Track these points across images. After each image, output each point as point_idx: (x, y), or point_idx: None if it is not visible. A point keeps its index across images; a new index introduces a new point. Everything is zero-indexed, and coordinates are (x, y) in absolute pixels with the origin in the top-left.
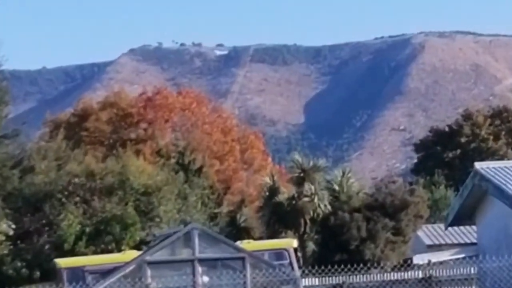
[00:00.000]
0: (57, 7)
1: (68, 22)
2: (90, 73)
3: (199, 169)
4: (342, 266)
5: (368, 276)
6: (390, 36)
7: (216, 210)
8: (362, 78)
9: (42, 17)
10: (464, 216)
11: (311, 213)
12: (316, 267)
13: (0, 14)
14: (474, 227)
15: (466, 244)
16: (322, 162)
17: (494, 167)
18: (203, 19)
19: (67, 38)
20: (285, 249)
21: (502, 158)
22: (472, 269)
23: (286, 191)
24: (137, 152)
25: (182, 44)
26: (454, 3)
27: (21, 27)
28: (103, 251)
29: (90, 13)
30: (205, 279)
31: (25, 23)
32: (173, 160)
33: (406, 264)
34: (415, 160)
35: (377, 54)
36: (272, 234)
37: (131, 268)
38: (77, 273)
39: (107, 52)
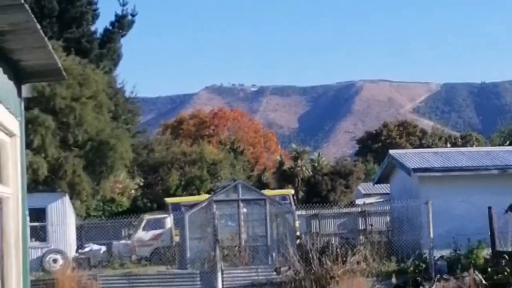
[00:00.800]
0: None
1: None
2: (184, 98)
3: (241, 151)
4: (317, 205)
5: (331, 210)
6: (344, 81)
7: (250, 174)
8: (329, 104)
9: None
10: (383, 178)
11: (301, 176)
12: (303, 205)
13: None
14: (388, 184)
15: (384, 194)
16: (307, 148)
17: (399, 153)
18: (245, 66)
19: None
20: (287, 195)
21: (401, 147)
22: (387, 207)
23: (288, 164)
24: (209, 142)
25: (233, 84)
26: (380, 61)
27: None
28: (190, 195)
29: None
30: (244, 210)
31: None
32: (228, 146)
33: (351, 204)
34: (357, 149)
35: (337, 91)
36: (280, 186)
37: (205, 203)
38: (176, 206)
39: (192, 87)
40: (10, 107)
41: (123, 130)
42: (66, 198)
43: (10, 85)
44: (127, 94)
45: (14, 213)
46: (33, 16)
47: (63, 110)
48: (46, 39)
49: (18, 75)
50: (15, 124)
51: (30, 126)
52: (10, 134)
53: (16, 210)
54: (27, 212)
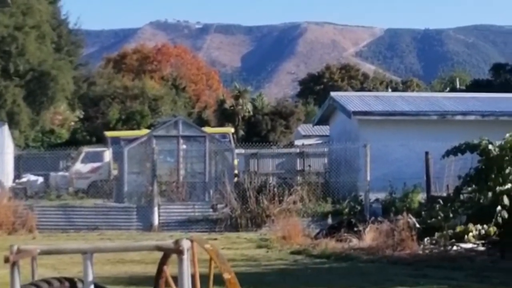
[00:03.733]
0: None
1: None
2: (128, 32)
3: (183, 88)
4: (257, 144)
5: (270, 149)
6: (289, 22)
7: (191, 111)
8: (273, 45)
9: None
10: (323, 120)
11: (242, 115)
12: (243, 144)
13: None
14: (328, 126)
15: (323, 136)
16: (249, 88)
17: (340, 95)
18: (190, 2)
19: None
20: (227, 133)
21: (343, 90)
22: (325, 148)
23: (229, 102)
24: (151, 77)
25: (178, 20)
26: (325, 3)
27: None
28: (130, 129)
29: None
30: (184, 146)
31: None
32: (170, 82)
33: (291, 144)
34: (299, 90)
35: (281, 31)
36: (221, 124)
37: (145, 138)
38: (116, 140)
39: (136, 21)
40: None
41: (65, 61)
42: (5, 127)
43: None
44: (70, 26)
45: None
46: None
47: (5, 38)
48: None
49: None
50: None
51: None
52: None
53: None
54: None
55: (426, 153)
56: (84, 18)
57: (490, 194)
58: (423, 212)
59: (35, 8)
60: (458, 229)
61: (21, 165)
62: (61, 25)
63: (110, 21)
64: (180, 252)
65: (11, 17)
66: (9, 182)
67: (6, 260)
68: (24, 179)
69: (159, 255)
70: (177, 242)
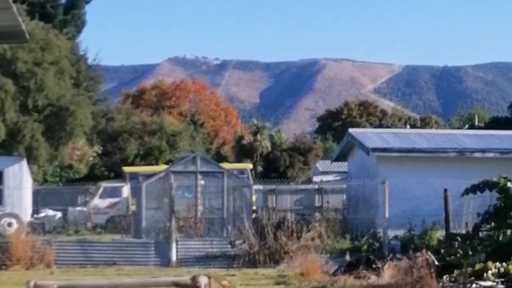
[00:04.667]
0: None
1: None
2: (147, 68)
3: (202, 124)
4: (275, 180)
5: (288, 186)
6: (307, 59)
7: (209, 146)
8: (291, 81)
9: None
10: (341, 156)
11: (260, 151)
12: (261, 180)
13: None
14: (346, 163)
15: (342, 172)
16: (267, 124)
17: (358, 132)
18: (208, 39)
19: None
20: (245, 169)
21: (361, 127)
22: (344, 185)
23: (247, 139)
24: (170, 113)
25: (196, 56)
26: (344, 40)
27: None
28: (148, 164)
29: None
30: (202, 182)
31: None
32: (188, 118)
33: (309, 181)
34: (317, 126)
35: (300, 68)
36: (239, 160)
37: (163, 174)
38: (134, 176)
39: (155, 57)
40: None
41: (84, 97)
42: (24, 162)
43: None
44: (89, 62)
45: None
46: None
47: (24, 74)
48: (11, 0)
49: None
50: None
51: None
52: None
53: None
54: None
55: (445, 190)
56: (103, 54)
57: (509, 231)
58: (442, 250)
59: (54, 43)
60: (477, 266)
61: (39, 200)
62: (80, 61)
63: (129, 57)
64: None
65: (30, 53)
66: (27, 217)
67: None
68: (42, 214)
69: None
70: (194, 278)
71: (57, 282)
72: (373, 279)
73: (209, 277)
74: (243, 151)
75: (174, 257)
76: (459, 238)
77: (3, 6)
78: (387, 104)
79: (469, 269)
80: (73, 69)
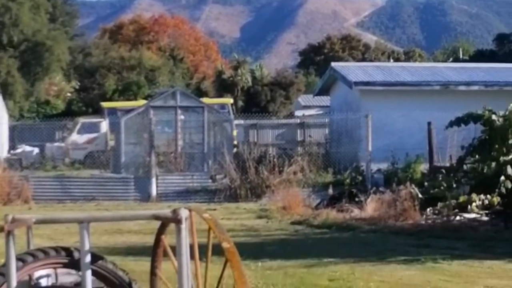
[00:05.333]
0: None
1: None
2: (125, 3)
3: (181, 59)
4: (256, 114)
5: (270, 120)
6: None
7: (189, 81)
8: (272, 15)
9: None
10: (324, 91)
11: (241, 85)
12: (242, 114)
13: None
14: (329, 97)
15: (324, 106)
16: (248, 58)
17: (341, 65)
18: None
19: None
20: (226, 104)
21: (343, 60)
22: (326, 119)
23: (228, 73)
24: (148, 48)
25: None
26: None
27: None
28: (127, 100)
29: None
30: (182, 117)
31: None
32: (167, 53)
33: (291, 115)
34: (299, 61)
35: (281, 1)
36: (219, 95)
37: (142, 109)
38: (113, 111)
39: None
40: None
41: (60, 32)
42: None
43: None
44: None
45: None
46: None
47: None
48: None
49: None
50: None
51: None
52: None
53: None
54: None
55: (429, 123)
56: None
57: (493, 164)
58: (425, 183)
59: None
60: (461, 199)
61: (16, 136)
62: None
63: None
64: (178, 221)
65: None
66: (4, 153)
67: (1, 229)
68: (19, 150)
69: (156, 225)
70: (175, 211)
71: (35, 216)
72: (356, 212)
73: (190, 210)
74: (224, 86)
75: (154, 192)
76: (443, 171)
77: None
78: (370, 38)
79: (453, 202)
80: (49, 4)
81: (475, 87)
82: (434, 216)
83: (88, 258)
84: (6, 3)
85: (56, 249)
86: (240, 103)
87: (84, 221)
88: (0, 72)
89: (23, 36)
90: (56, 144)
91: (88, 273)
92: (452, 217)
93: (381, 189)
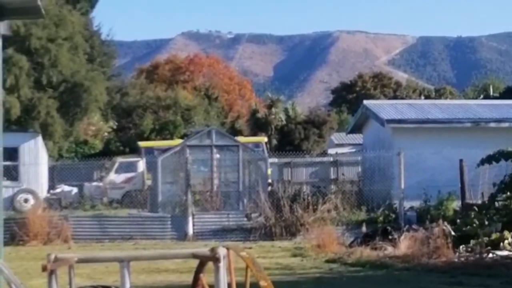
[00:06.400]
0: None
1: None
2: (160, 43)
3: (216, 98)
4: (290, 153)
5: (303, 158)
6: (321, 31)
7: (224, 120)
8: (305, 54)
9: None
10: (356, 128)
11: (274, 124)
12: (276, 153)
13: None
14: (361, 134)
15: (357, 144)
16: (281, 97)
17: (373, 103)
18: (221, 13)
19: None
20: (260, 142)
21: (375, 98)
22: (359, 157)
23: (262, 112)
24: (184, 88)
25: (209, 30)
26: (357, 12)
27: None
28: (163, 139)
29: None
30: (217, 155)
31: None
32: (202, 92)
33: (324, 153)
34: (331, 99)
35: (313, 40)
36: (254, 134)
37: (178, 148)
38: (149, 150)
39: (168, 32)
40: None
41: (98, 72)
42: (39, 138)
43: None
44: (103, 37)
45: None
46: None
47: (38, 50)
48: None
49: None
50: None
51: (4, 65)
52: None
53: None
54: (1, 149)
55: (461, 160)
56: (117, 29)
57: None
58: (458, 220)
59: (67, 19)
60: (494, 236)
61: (55, 176)
62: (94, 36)
63: (142, 32)
64: (216, 260)
65: (44, 29)
66: (43, 193)
67: (44, 268)
68: (58, 190)
69: (194, 264)
70: (213, 250)
71: (77, 255)
72: (389, 250)
73: (227, 249)
74: (258, 125)
75: (190, 231)
76: (475, 208)
77: None
78: (401, 76)
79: (486, 239)
80: (87, 45)
81: (506, 124)
82: (467, 254)
83: None
84: (46, 44)
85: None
86: (274, 141)
87: (124, 260)
88: (39, 113)
89: (62, 76)
90: (94, 183)
91: None
92: (485, 255)
93: (414, 226)
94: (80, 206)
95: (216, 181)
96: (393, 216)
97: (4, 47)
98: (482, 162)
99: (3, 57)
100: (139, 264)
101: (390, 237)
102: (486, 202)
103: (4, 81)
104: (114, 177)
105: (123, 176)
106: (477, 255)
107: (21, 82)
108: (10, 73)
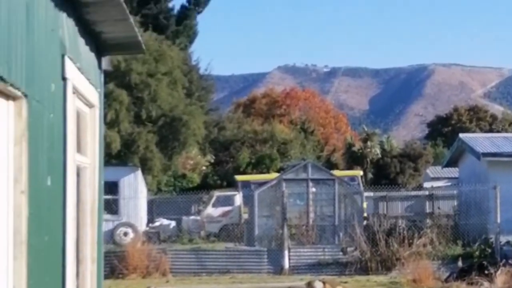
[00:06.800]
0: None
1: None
2: (257, 77)
3: (312, 132)
4: (385, 187)
5: (399, 192)
6: (416, 64)
7: (320, 154)
8: (400, 87)
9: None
10: (452, 162)
11: (370, 157)
12: (372, 186)
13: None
14: (457, 168)
15: (453, 178)
16: (377, 130)
17: (468, 137)
18: (318, 47)
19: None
20: (356, 176)
21: (471, 132)
22: (455, 191)
23: (357, 145)
24: (280, 121)
25: (306, 64)
26: (453, 45)
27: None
28: (260, 173)
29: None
30: (313, 189)
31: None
32: (298, 126)
33: (419, 187)
34: (427, 132)
35: (409, 73)
36: (349, 167)
37: (274, 182)
38: (246, 184)
39: (265, 66)
40: (91, 78)
41: (196, 107)
42: (139, 172)
43: (92, 56)
44: (201, 71)
45: (91, 183)
46: None
47: (138, 85)
48: (128, 12)
49: (99, 47)
50: (95, 95)
51: (105, 100)
52: (90, 105)
53: (93, 180)
54: (102, 183)
55: None
56: (214, 63)
57: None
58: None
59: (167, 54)
60: None
61: (154, 210)
62: (192, 71)
63: (239, 66)
64: None
65: (144, 64)
66: (142, 226)
67: None
68: (157, 223)
69: None
70: (309, 284)
71: None
72: (486, 285)
73: (324, 283)
74: (353, 158)
75: (286, 265)
76: None
77: (121, 17)
78: (497, 109)
79: None
80: (186, 79)
81: None
82: None
83: None
84: (146, 79)
85: None
86: (370, 175)
87: None
88: (139, 147)
89: (161, 111)
90: (192, 217)
91: None
92: None
93: (510, 261)
94: (178, 240)
95: (312, 215)
96: (489, 250)
97: (105, 82)
98: None
99: (104, 92)
100: None
101: (486, 272)
102: None
103: (105, 115)
104: (212, 210)
105: (220, 210)
106: None
107: (121, 117)
108: (111, 108)
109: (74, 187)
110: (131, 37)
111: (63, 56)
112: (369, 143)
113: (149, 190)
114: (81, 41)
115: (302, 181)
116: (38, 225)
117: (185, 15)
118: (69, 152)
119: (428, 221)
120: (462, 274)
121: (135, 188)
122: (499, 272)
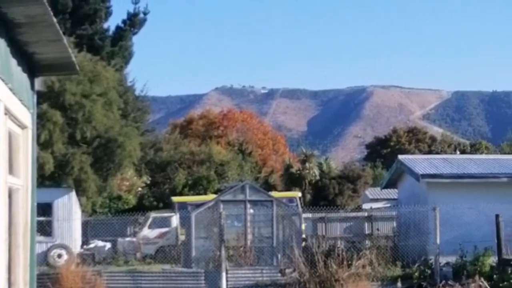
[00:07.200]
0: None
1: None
2: (194, 98)
3: (250, 153)
4: (324, 208)
5: (338, 213)
6: (355, 86)
7: (258, 175)
8: (339, 109)
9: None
10: (391, 183)
11: (308, 179)
12: (310, 208)
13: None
14: (396, 190)
15: (391, 199)
16: (315, 152)
17: (407, 158)
18: (255, 68)
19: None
20: (294, 197)
21: (410, 153)
22: (394, 212)
23: (295, 167)
24: (217, 143)
25: (243, 86)
26: (391, 67)
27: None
28: (197, 194)
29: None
30: (251, 211)
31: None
32: (236, 147)
33: (359, 208)
34: (366, 154)
35: (347, 95)
36: (288, 189)
37: (212, 203)
38: (183, 205)
39: (202, 87)
40: (23, 99)
41: (132, 128)
42: (73, 194)
43: (24, 77)
44: (137, 93)
45: (24, 204)
46: (49, 9)
47: (72, 106)
48: (61, 32)
49: (32, 68)
50: (27, 116)
51: (38, 121)
52: (22, 126)
53: (25, 202)
54: (35, 204)
55: (497, 215)
56: (151, 84)
57: None
58: (494, 276)
59: (102, 75)
60: None
61: (88, 231)
62: (128, 92)
63: (176, 87)
64: None
65: (78, 85)
66: (77, 248)
67: None
68: (92, 245)
69: None
70: None
71: None
72: None
73: None
74: (292, 180)
75: (224, 286)
76: None
77: (54, 38)
78: (436, 131)
79: None
80: (121, 100)
81: None
82: None
83: None
84: (80, 100)
85: None
86: (308, 196)
87: None
88: (73, 168)
89: (96, 132)
90: (128, 239)
91: None
92: None
93: (450, 282)
94: (113, 262)
95: (250, 236)
96: (429, 271)
97: (38, 103)
98: None
99: (38, 113)
100: None
101: None
102: None
103: (38, 136)
104: (148, 232)
105: (156, 231)
106: None
107: (55, 138)
108: (44, 129)
109: (6, 209)
110: (65, 58)
111: None
112: (307, 164)
113: (83, 211)
114: (13, 61)
115: (240, 203)
116: None
117: (121, 36)
118: (0, 174)
119: (367, 242)
120: None
121: (69, 210)
122: None
